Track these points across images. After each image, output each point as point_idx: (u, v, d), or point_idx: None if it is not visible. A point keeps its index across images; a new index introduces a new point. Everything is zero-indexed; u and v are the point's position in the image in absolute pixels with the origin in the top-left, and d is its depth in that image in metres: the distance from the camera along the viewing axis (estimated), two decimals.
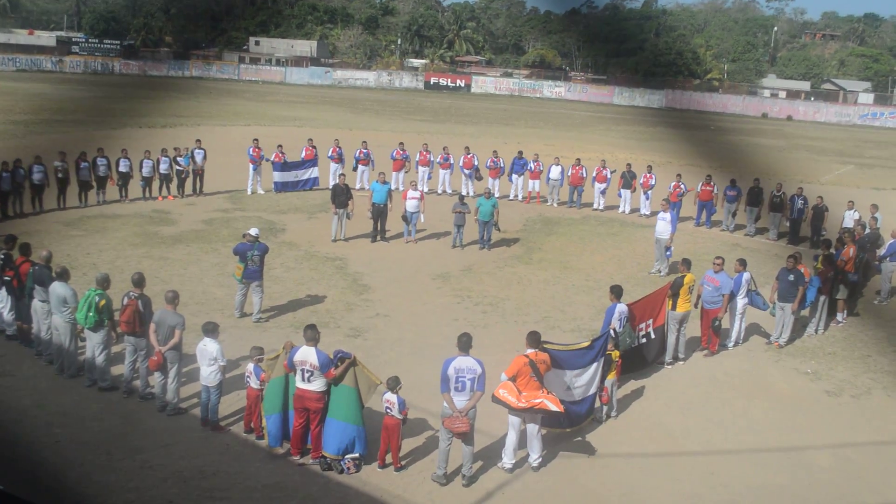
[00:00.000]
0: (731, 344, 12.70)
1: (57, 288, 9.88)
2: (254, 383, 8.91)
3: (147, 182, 20.42)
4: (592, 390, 9.46)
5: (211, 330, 9.01)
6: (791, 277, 12.71)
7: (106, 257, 15.30)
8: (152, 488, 7.85)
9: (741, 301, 12.51)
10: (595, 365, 9.40)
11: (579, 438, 9.38)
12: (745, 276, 12.52)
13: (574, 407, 9.25)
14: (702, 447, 9.46)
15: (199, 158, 21.33)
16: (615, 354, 9.83)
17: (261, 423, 8.90)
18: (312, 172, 23.30)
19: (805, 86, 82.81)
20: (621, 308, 10.60)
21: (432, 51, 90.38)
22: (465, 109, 56.97)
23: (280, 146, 22.91)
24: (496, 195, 20.17)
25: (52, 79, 61.47)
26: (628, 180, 22.26)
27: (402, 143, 23.58)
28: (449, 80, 78.96)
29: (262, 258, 12.45)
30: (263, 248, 12.50)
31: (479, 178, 22.87)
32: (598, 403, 9.70)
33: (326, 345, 9.00)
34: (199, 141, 21.85)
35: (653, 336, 11.49)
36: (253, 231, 12.55)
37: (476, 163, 22.95)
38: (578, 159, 23.22)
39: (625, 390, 10.69)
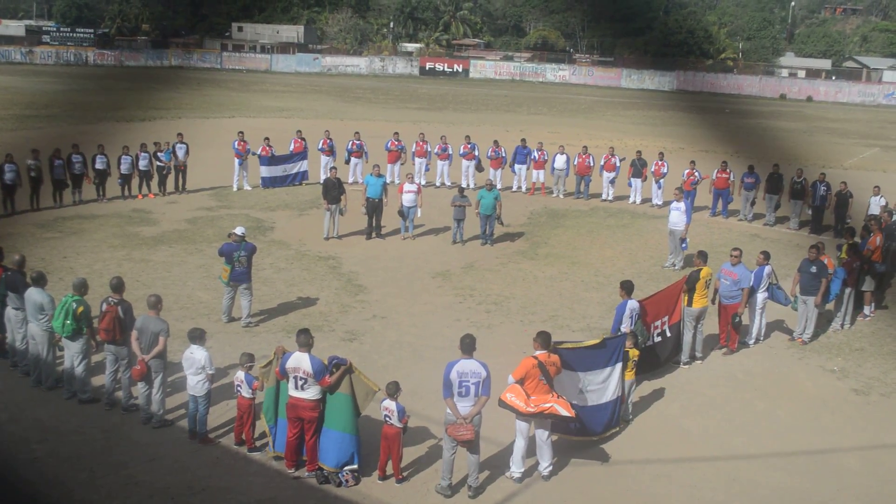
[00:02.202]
0: (751, 341, 12.71)
1: (33, 294, 9.87)
2: (245, 392, 8.91)
3: (126, 180, 20.40)
4: (609, 397, 9.39)
5: (197, 336, 9.02)
6: (814, 269, 12.71)
7: (83, 261, 15.30)
8: None
9: (761, 295, 12.51)
10: (610, 369, 9.35)
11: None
12: (767, 269, 12.52)
13: (586, 413, 9.18)
14: (722, 451, 9.47)
15: (180, 153, 21.32)
16: (633, 353, 9.80)
17: (253, 433, 8.91)
18: (302, 166, 23.31)
19: (825, 64, 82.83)
20: (632, 305, 10.61)
21: (427, 34, 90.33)
22: (463, 96, 56.98)
23: (267, 139, 22.89)
24: (498, 187, 20.17)
25: (22, 71, 61.48)
26: (639, 168, 22.25)
27: (396, 133, 23.57)
28: (446, 65, 79.07)
29: (250, 259, 12.45)
30: (251, 248, 12.50)
31: (480, 170, 22.87)
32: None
33: (320, 350, 9.01)
34: (180, 135, 21.83)
35: (668, 334, 11.50)
36: (239, 230, 12.53)
37: (476, 153, 22.94)
38: (585, 147, 23.22)
39: (639, 392, 10.69)
